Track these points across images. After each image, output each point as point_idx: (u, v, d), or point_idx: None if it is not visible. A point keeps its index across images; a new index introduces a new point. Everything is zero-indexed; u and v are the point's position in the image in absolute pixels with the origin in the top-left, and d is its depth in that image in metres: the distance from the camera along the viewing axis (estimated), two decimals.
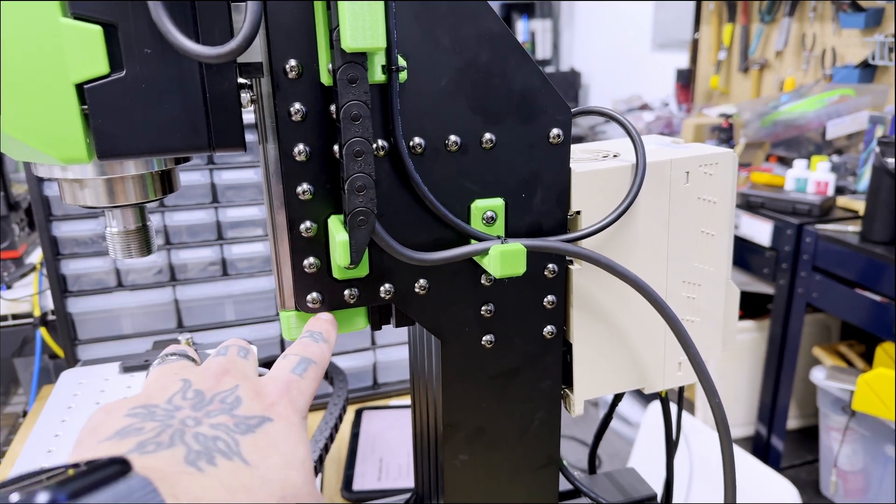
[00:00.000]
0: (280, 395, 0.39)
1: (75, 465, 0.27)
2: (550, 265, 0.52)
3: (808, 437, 2.27)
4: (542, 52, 4.77)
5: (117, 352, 1.07)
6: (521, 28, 4.79)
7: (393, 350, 1.18)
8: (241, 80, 0.43)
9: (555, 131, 0.49)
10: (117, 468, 0.28)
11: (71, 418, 0.70)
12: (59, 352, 1.28)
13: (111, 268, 1.06)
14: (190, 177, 1.06)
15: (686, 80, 3.23)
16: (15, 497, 0.24)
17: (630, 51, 4.02)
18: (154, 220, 1.07)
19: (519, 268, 0.46)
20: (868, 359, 1.97)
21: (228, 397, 0.37)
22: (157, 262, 1.07)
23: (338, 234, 0.44)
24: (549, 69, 4.71)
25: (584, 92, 4.62)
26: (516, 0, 4.81)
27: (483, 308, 0.51)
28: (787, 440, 2.18)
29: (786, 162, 2.37)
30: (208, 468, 0.31)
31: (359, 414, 1.09)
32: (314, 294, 0.47)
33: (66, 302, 1.04)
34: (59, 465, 0.28)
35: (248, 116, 0.49)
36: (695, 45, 3.18)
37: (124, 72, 0.38)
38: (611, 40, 4.27)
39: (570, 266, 0.53)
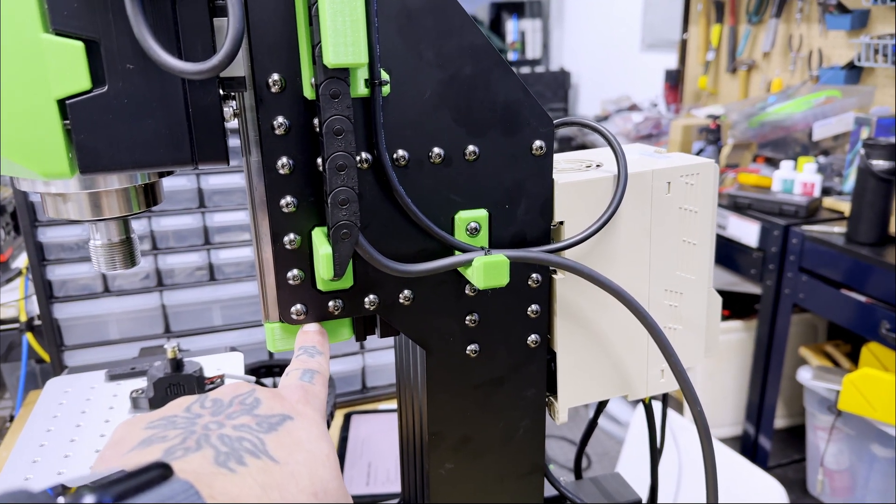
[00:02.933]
0: (296, 396, 0.40)
1: (118, 472, 0.27)
2: (534, 275, 0.52)
3: (795, 436, 2.29)
4: (532, 51, 4.78)
5: (104, 357, 1.07)
6: (511, 28, 4.79)
7: (382, 354, 1.18)
8: (223, 94, 0.43)
9: (537, 143, 0.49)
10: (160, 471, 0.28)
11: (56, 428, 0.70)
12: (47, 357, 1.28)
13: (97, 273, 1.05)
14: (176, 182, 1.05)
15: (675, 80, 3.25)
16: (61, 500, 0.25)
17: (619, 51, 4.04)
18: (141, 225, 1.07)
19: (502, 279, 0.47)
20: (854, 358, 1.99)
21: (247, 399, 0.38)
22: (143, 267, 1.06)
23: (321, 247, 0.44)
24: (539, 69, 4.72)
25: (573, 92, 4.63)
26: None
27: (467, 318, 0.52)
28: (774, 439, 2.19)
29: (773, 163, 2.39)
30: (239, 468, 0.31)
31: (347, 418, 1.09)
32: (298, 306, 0.47)
33: (52, 308, 1.03)
34: (100, 474, 0.28)
35: (233, 122, 0.49)
36: (683, 45, 3.20)
37: (106, 87, 0.39)
38: (600, 40, 4.29)
39: (554, 275, 0.53)
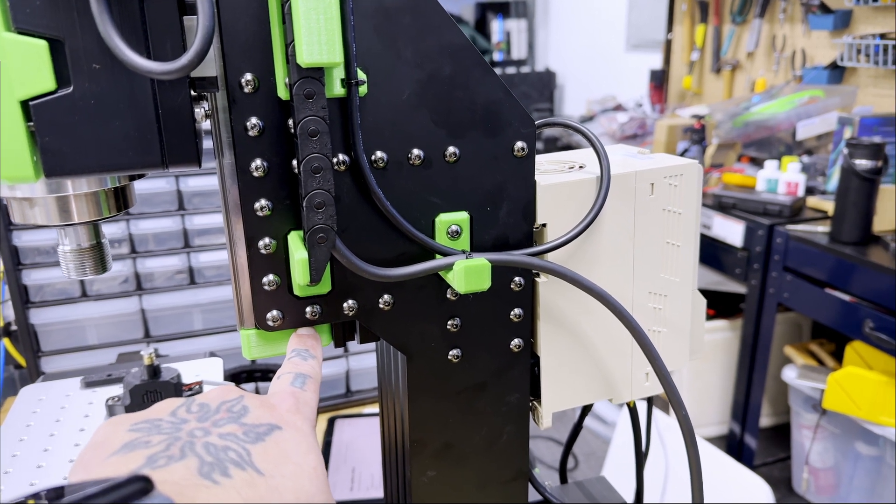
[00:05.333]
0: (287, 405, 0.39)
1: (96, 483, 0.26)
2: (517, 278, 0.51)
3: (781, 434, 2.30)
4: (518, 51, 4.78)
5: (82, 363, 1.05)
6: (497, 28, 4.79)
7: (366, 357, 1.17)
8: (195, 94, 0.42)
9: (519, 144, 0.48)
10: (140, 485, 0.27)
11: (29, 437, 0.68)
12: (24, 362, 1.25)
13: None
14: (155, 184, 1.04)
15: (659, 80, 3.26)
16: None
17: (604, 51, 4.05)
18: (119, 228, 1.05)
19: (484, 283, 0.46)
20: (838, 357, 2.00)
21: (235, 406, 0.37)
22: (122, 271, 1.04)
23: (297, 251, 0.43)
24: (525, 69, 4.72)
25: (559, 92, 4.64)
26: None
27: (449, 322, 0.51)
28: (760, 438, 2.20)
29: (757, 162, 2.40)
30: (223, 480, 0.31)
31: (331, 422, 1.08)
32: (274, 312, 0.46)
33: (29, 313, 1.01)
34: (77, 484, 0.27)
35: (207, 124, 0.48)
36: (668, 45, 3.21)
37: (72, 88, 0.37)
38: (585, 40, 4.29)
39: (537, 279, 0.52)
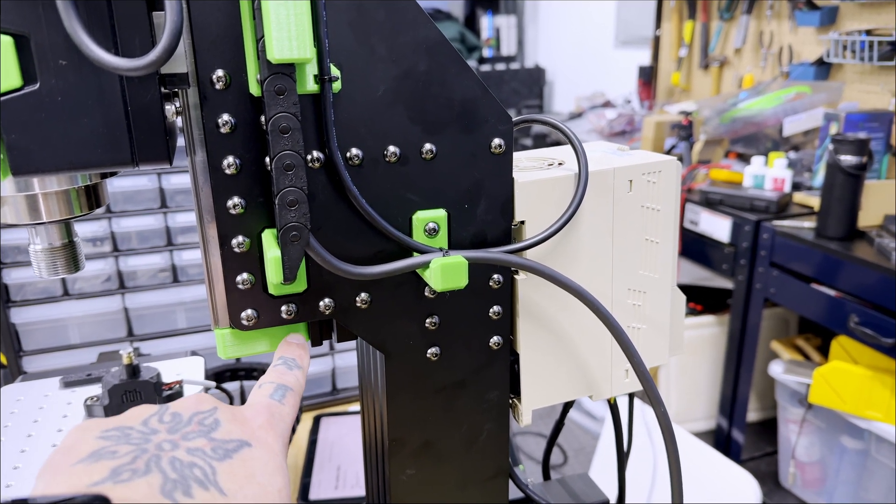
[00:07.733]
0: (260, 420, 0.38)
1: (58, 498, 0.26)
2: (495, 276, 0.51)
3: (768, 429, 2.31)
4: (507, 48, 4.77)
5: (65, 362, 1.04)
6: (486, 24, 4.78)
7: (352, 355, 1.17)
8: (166, 91, 0.41)
9: (496, 141, 0.48)
10: None
11: (6, 438, 0.68)
12: (6, 361, 1.24)
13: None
14: (137, 181, 1.03)
15: (648, 76, 3.26)
16: None
17: (593, 48, 4.05)
18: (101, 227, 1.04)
19: (461, 281, 0.45)
20: (824, 352, 2.01)
21: (207, 419, 0.36)
22: (104, 269, 1.04)
23: (270, 250, 0.42)
24: (514, 65, 4.72)
25: (548, 88, 4.64)
26: None
27: (427, 321, 0.50)
28: (747, 433, 2.21)
29: (744, 158, 2.40)
30: (185, 500, 0.31)
31: (317, 420, 1.07)
32: (249, 311, 0.45)
33: (9, 312, 1.00)
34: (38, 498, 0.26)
35: (180, 121, 0.47)
36: (656, 42, 3.21)
37: (38, 84, 0.37)
38: (574, 37, 4.29)
39: (516, 276, 0.52)
